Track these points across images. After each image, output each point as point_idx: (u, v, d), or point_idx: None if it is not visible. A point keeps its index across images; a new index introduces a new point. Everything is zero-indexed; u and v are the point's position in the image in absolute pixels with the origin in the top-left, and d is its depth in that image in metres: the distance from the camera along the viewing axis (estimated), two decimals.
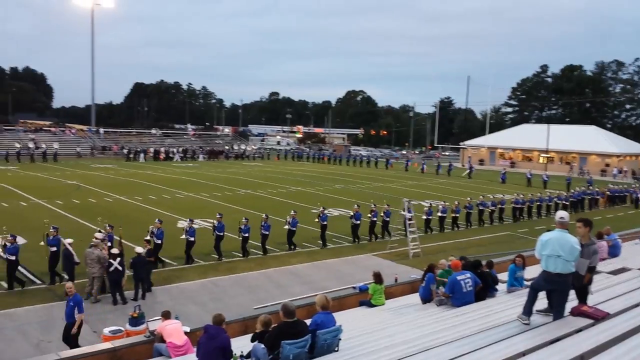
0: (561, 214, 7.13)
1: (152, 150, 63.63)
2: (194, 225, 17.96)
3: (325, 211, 21.52)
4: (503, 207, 28.69)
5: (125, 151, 61.78)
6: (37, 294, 14.11)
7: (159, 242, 16.97)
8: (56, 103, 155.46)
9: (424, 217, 24.01)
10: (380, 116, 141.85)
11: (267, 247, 19.23)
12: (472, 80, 77.06)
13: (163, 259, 17.27)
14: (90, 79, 72.95)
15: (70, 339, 10.58)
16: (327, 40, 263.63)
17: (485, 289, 9.77)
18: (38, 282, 14.98)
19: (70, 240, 14.60)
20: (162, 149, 64.99)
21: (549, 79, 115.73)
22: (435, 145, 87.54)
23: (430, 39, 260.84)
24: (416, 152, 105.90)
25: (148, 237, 16.25)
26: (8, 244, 14.38)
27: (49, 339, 11.33)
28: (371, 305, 11.72)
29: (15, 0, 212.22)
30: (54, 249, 14.82)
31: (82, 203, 28.12)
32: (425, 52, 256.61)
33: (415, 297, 11.44)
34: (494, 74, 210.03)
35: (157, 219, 18.13)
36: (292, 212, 20.39)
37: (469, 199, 27.45)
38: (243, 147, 77.59)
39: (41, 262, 15.23)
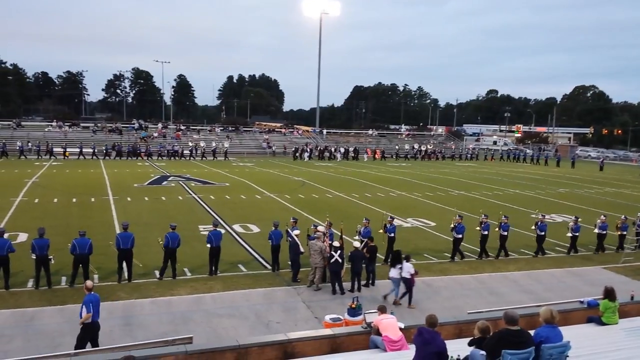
0: None
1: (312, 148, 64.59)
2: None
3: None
4: None
5: (292, 150, 63.63)
6: (267, 277, 15.73)
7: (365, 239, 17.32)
8: (286, 106, 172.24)
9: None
10: (614, 113, 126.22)
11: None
12: None
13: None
14: (316, 84, 78.83)
15: (77, 342, 9.86)
16: (555, 34, 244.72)
17: None
18: (268, 267, 16.65)
19: (297, 232, 15.95)
20: (328, 148, 66.01)
21: None
22: None
23: None
24: None
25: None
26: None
27: (277, 319, 12.57)
28: (602, 323, 10.55)
29: (256, 16, 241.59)
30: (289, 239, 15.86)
31: (306, 198, 30.60)
32: None
33: None
34: None
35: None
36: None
37: None
38: (454, 147, 75.72)
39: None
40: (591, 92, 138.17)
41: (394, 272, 13.95)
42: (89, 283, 10.39)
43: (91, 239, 14.69)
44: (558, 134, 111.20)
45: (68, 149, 53.83)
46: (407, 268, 13.75)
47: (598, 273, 17.33)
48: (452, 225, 18.54)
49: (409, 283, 13.77)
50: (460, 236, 18.20)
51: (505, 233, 18.84)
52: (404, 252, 14.63)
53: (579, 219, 20.62)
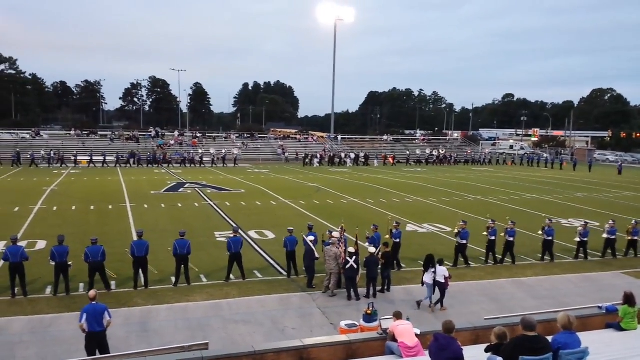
0: None
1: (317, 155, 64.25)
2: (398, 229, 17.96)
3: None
4: None
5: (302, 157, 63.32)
6: (282, 284, 15.71)
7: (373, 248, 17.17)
8: (301, 113, 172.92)
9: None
10: (633, 116, 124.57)
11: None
12: None
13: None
14: (331, 90, 79.06)
15: (86, 352, 9.98)
16: (570, 37, 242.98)
17: None
18: (284, 273, 16.66)
19: (312, 238, 15.95)
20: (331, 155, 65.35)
21: None
22: None
23: None
24: None
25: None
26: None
27: (292, 325, 12.56)
28: (620, 329, 10.39)
29: (270, 23, 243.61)
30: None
31: (321, 204, 30.59)
32: None
33: None
34: None
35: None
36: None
37: None
38: (469, 151, 75.31)
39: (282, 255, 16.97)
40: (609, 95, 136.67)
41: (427, 277, 13.94)
42: (91, 293, 10.38)
43: (105, 246, 14.85)
44: (576, 138, 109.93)
45: (82, 157, 54.54)
46: (441, 271, 13.80)
47: (616, 278, 17.08)
48: (456, 231, 18.37)
49: (442, 286, 13.79)
50: (464, 242, 18.02)
51: (512, 239, 18.52)
52: (420, 258, 14.57)
53: (588, 224, 20.39)
